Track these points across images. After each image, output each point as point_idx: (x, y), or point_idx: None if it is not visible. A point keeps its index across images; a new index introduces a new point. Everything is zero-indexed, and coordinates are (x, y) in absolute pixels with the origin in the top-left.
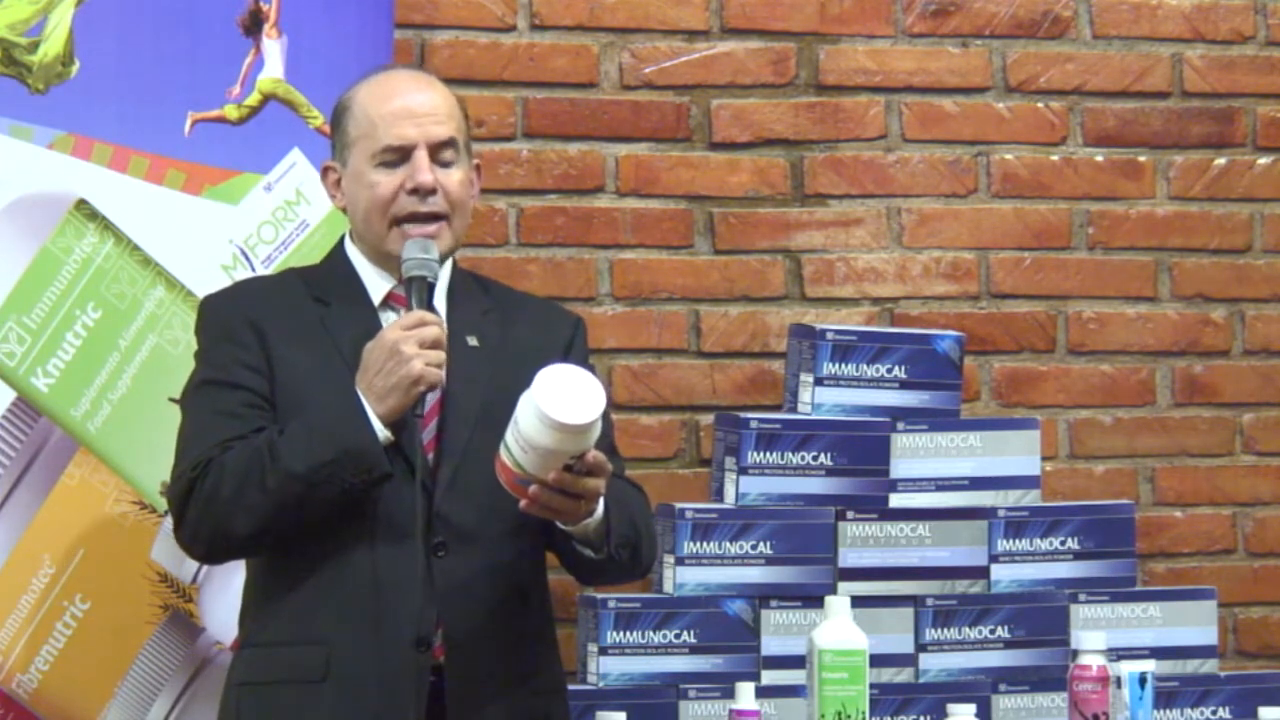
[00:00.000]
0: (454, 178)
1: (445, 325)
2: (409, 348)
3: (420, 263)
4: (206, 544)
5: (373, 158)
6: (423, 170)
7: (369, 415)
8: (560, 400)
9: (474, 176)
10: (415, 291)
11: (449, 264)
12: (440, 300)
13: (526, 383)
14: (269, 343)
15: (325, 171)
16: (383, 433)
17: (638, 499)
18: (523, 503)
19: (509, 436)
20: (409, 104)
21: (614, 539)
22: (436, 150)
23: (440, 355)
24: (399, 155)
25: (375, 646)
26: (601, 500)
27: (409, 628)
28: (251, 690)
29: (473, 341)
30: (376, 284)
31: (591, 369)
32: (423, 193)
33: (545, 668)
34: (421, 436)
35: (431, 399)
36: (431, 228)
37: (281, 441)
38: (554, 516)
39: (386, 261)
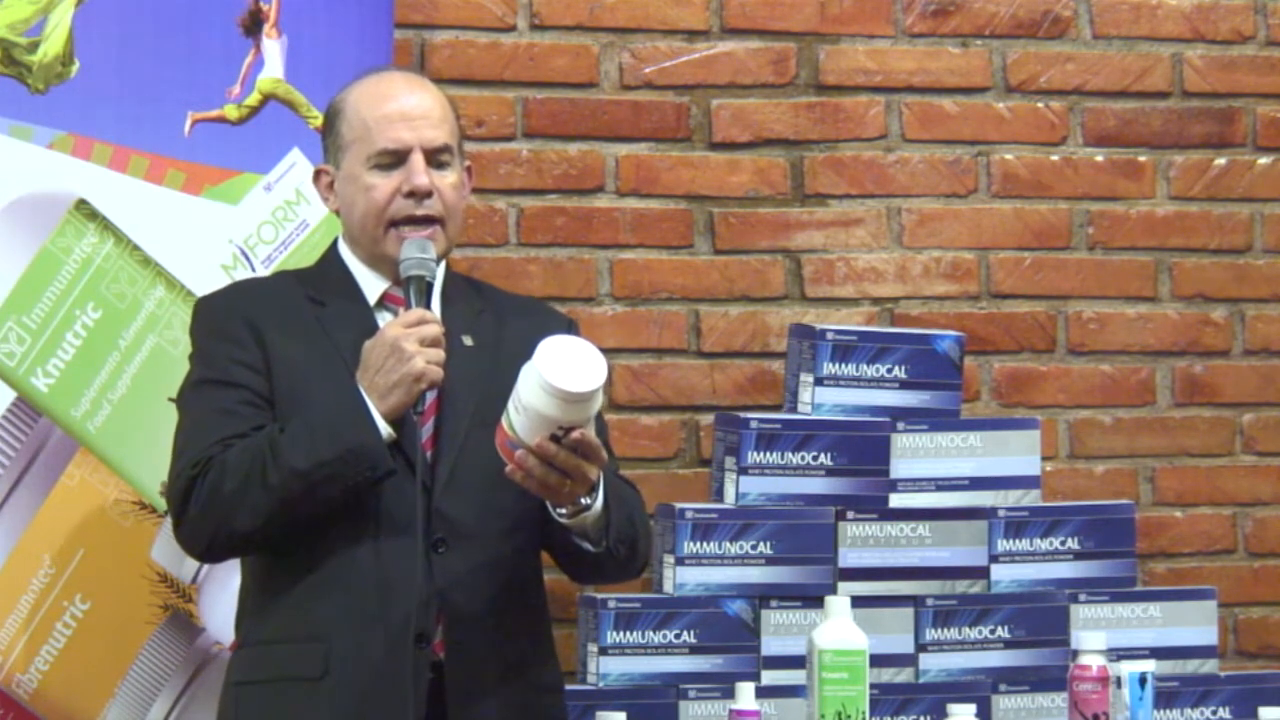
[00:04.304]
0: (448, 181)
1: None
2: (410, 345)
3: (419, 262)
4: (207, 541)
5: (368, 161)
6: (419, 174)
7: (372, 412)
8: (561, 367)
9: (465, 179)
10: (414, 290)
11: (442, 266)
12: (435, 302)
13: None
14: (266, 341)
15: (318, 174)
16: (386, 430)
17: (634, 497)
18: (508, 467)
19: (510, 400)
20: (404, 107)
21: (613, 533)
22: (432, 154)
23: (440, 354)
24: (394, 158)
25: (375, 643)
26: (601, 494)
27: (410, 623)
28: (250, 689)
29: (468, 341)
30: (371, 285)
31: None
32: (419, 196)
33: (543, 664)
34: (420, 434)
35: (429, 398)
36: (427, 230)
37: (284, 439)
38: (540, 492)
39: (381, 263)
